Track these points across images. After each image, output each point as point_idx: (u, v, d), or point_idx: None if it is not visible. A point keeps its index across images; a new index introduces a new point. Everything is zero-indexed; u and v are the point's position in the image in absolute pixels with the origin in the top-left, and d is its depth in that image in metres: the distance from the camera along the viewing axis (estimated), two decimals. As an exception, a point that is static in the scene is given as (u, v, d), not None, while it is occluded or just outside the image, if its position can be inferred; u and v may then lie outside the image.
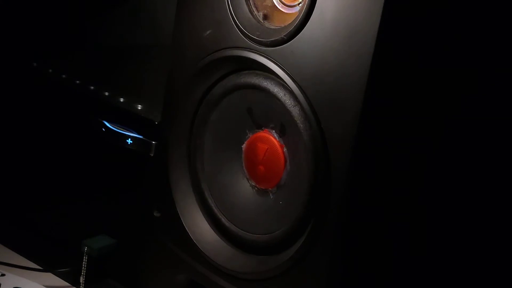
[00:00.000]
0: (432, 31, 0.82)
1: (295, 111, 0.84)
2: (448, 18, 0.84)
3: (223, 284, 0.94)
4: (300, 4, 0.85)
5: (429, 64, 0.83)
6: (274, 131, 0.89)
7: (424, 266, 0.91)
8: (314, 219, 0.84)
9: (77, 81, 1.19)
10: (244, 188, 0.93)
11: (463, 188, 0.92)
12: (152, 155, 1.05)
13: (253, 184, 0.92)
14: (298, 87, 0.83)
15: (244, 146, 0.92)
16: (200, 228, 0.96)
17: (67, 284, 1.08)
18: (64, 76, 1.21)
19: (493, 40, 0.89)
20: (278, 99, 0.86)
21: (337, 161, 0.82)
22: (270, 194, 0.90)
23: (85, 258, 1.05)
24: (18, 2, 1.29)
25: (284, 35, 0.84)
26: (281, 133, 0.88)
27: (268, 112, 0.89)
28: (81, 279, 1.06)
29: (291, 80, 0.84)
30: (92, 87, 1.17)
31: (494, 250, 0.98)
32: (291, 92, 0.84)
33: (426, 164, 0.87)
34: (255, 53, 0.87)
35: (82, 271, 1.06)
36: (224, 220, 0.94)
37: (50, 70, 1.23)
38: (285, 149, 0.88)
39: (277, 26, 0.87)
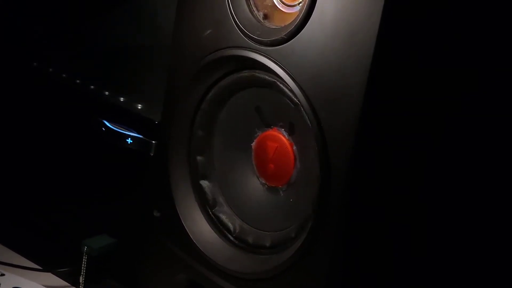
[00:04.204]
0: (432, 31, 0.82)
1: (295, 110, 0.85)
2: (448, 18, 0.84)
3: (222, 284, 0.94)
4: (300, 4, 0.85)
5: (429, 64, 0.83)
6: (283, 129, 0.89)
7: (425, 265, 0.91)
8: (314, 219, 0.85)
9: (77, 81, 1.19)
10: (254, 185, 0.93)
11: (463, 188, 0.92)
12: (152, 154, 1.05)
13: (263, 181, 0.92)
14: (298, 87, 0.83)
15: (253, 144, 0.92)
16: (200, 228, 0.96)
17: (66, 284, 1.08)
18: (64, 76, 1.21)
19: (493, 40, 0.89)
20: (287, 97, 0.86)
21: (337, 161, 0.82)
22: (281, 192, 0.91)
23: (85, 258, 1.05)
24: (18, 2, 1.29)
25: (285, 35, 0.84)
26: (290, 131, 0.89)
27: (277, 111, 0.90)
28: (81, 279, 1.06)
29: (291, 80, 0.84)
30: (92, 87, 1.17)
31: (495, 250, 0.98)
32: (291, 91, 0.84)
33: (426, 164, 0.87)
34: (255, 52, 0.87)
35: (82, 271, 1.06)
36: (228, 218, 0.95)
37: (50, 70, 1.23)
38: (294, 147, 0.88)
39: (277, 26, 0.87)
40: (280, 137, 0.89)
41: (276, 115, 0.90)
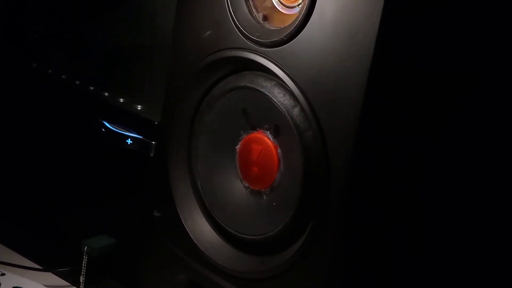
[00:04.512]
0: (432, 31, 0.82)
1: (295, 111, 0.85)
2: (448, 18, 0.84)
3: (223, 284, 0.94)
4: (300, 5, 0.85)
5: (429, 64, 0.83)
6: (268, 132, 0.89)
7: (425, 265, 0.92)
8: (314, 219, 0.85)
9: (77, 82, 1.19)
10: (237, 189, 0.93)
11: (463, 188, 0.92)
12: (152, 155, 1.05)
13: (246, 185, 0.92)
14: (298, 88, 0.83)
15: (238, 147, 0.92)
16: (200, 228, 0.96)
17: (67, 283, 1.08)
18: (64, 76, 1.21)
19: (493, 40, 0.90)
20: (273, 100, 0.86)
21: (337, 161, 0.82)
22: (264, 195, 0.90)
23: (85, 258, 1.05)
24: (18, 2, 1.29)
25: (284, 36, 0.84)
26: (276, 134, 0.88)
27: (262, 113, 0.89)
28: (81, 279, 1.06)
29: (291, 81, 0.84)
30: (92, 87, 1.17)
31: (495, 250, 0.98)
32: (291, 92, 0.84)
33: (426, 164, 0.87)
34: (255, 54, 0.87)
35: (82, 270, 1.06)
36: (218, 221, 0.94)
37: (50, 71, 1.23)
38: (279, 150, 0.88)
39: (277, 27, 0.87)
40: (264, 139, 0.89)
41: (261, 117, 0.89)
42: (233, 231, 0.92)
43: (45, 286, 1.06)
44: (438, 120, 0.87)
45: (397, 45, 0.80)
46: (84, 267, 1.06)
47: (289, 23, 0.85)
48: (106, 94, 1.15)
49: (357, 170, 0.81)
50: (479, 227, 0.95)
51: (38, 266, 1.10)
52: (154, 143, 1.05)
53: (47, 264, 1.11)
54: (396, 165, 0.84)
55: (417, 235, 0.89)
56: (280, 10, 0.88)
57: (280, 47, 0.85)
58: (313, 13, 0.82)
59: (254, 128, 0.90)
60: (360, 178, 0.82)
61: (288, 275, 0.88)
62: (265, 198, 0.90)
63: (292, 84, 0.84)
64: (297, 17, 0.83)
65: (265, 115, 0.88)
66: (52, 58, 1.27)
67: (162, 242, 1.00)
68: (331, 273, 0.84)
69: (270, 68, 0.85)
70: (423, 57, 0.83)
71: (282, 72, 0.84)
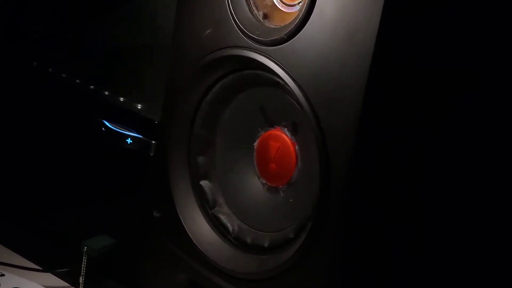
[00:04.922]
0: (432, 31, 0.82)
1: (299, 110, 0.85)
2: (448, 18, 0.84)
3: (222, 284, 0.94)
4: (300, 4, 0.85)
5: (429, 64, 0.83)
6: (286, 129, 0.89)
7: (425, 265, 0.91)
8: (314, 219, 0.84)
9: (77, 81, 1.19)
10: (254, 185, 0.93)
11: (463, 188, 0.92)
12: (152, 154, 1.05)
13: (264, 181, 0.92)
14: (298, 87, 0.83)
15: (256, 144, 0.92)
16: (200, 228, 0.96)
17: (66, 284, 1.08)
18: (64, 75, 1.21)
19: (493, 40, 0.89)
20: (291, 98, 0.86)
21: (337, 161, 0.82)
22: (281, 192, 0.91)
23: (84, 258, 1.05)
24: (18, 2, 1.29)
25: (284, 35, 0.84)
26: (294, 131, 0.89)
27: (280, 110, 0.90)
28: (81, 279, 1.06)
29: (291, 80, 0.84)
30: (92, 87, 1.17)
31: (495, 250, 0.97)
32: (291, 91, 0.84)
33: (426, 164, 0.87)
34: (255, 52, 0.87)
35: (82, 271, 1.06)
36: (227, 218, 0.95)
37: (50, 70, 1.23)
38: (297, 147, 0.89)
39: (277, 26, 0.87)
40: (282, 136, 0.90)
41: (279, 114, 0.90)
42: (250, 228, 0.93)
43: (45, 286, 1.06)
44: (438, 120, 0.87)
45: (397, 45, 0.80)
46: (83, 267, 1.05)
47: (289, 22, 0.85)
48: (106, 93, 1.15)
49: (357, 170, 0.81)
50: (479, 227, 0.95)
51: (37, 267, 1.10)
52: (154, 143, 1.05)
53: (46, 264, 1.11)
54: (396, 165, 0.84)
55: (417, 235, 0.89)
56: (280, 8, 0.88)
57: (280, 46, 0.85)
58: (313, 11, 0.82)
59: (272, 125, 0.91)
60: (360, 178, 0.82)
61: (288, 275, 0.88)
62: (282, 194, 0.90)
63: (292, 82, 0.84)
64: (297, 15, 0.83)
65: (283, 112, 0.89)
66: (52, 58, 1.27)
67: (162, 242, 0.99)
68: (331, 273, 0.84)
69: (270, 66, 0.85)
70: (423, 57, 0.82)
71: (282, 70, 0.84)
